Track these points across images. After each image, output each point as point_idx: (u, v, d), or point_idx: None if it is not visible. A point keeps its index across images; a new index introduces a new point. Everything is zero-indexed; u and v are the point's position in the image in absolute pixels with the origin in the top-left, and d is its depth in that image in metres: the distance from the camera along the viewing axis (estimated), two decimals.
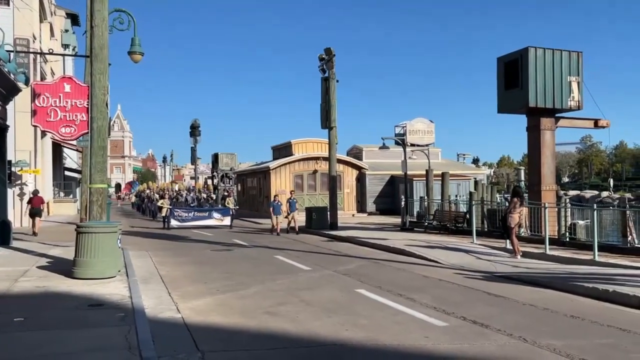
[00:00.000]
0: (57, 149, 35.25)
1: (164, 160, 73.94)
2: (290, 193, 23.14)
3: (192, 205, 30.67)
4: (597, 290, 8.44)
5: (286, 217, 21.45)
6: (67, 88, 13.10)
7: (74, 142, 23.08)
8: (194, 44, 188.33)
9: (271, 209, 21.24)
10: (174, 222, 23.28)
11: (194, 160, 36.30)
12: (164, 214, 24.01)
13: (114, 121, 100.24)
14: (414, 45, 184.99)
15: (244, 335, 6.23)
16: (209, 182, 45.58)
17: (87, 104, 11.61)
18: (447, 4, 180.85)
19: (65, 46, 37.82)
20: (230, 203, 25.70)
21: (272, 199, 22.33)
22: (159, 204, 25.89)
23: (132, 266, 10.79)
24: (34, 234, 18.00)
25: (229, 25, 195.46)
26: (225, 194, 31.85)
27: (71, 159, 43.41)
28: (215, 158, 35.13)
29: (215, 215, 24.19)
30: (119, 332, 5.89)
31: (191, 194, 36.59)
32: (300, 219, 23.23)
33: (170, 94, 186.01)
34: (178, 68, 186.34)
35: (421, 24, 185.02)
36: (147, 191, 47.16)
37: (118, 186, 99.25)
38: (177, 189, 46.48)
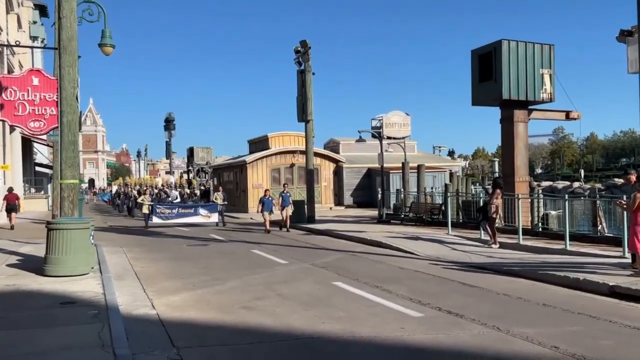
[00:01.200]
0: (27, 144, 34.33)
1: (138, 154, 72.71)
2: (283, 186, 21.08)
3: (175, 201, 28.12)
4: (568, 279, 8.64)
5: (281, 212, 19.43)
6: (36, 81, 12.76)
7: (44, 137, 22.55)
8: (168, 36, 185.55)
9: (261, 205, 18.93)
10: (156, 220, 21.41)
11: (169, 155, 35.84)
12: (144, 211, 21.82)
13: (86, 115, 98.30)
14: (389, 37, 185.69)
15: (221, 330, 6.18)
16: (188, 176, 41.93)
17: (57, 98, 11.31)
18: None
19: (34, 38, 36.76)
20: (219, 198, 22.66)
21: (263, 194, 19.81)
22: (139, 200, 23.67)
23: (106, 262, 10.60)
24: (12, 227, 19.00)
25: (204, 17, 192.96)
26: (202, 188, 31.34)
27: (42, 154, 42.37)
28: (191, 152, 34.76)
29: (202, 211, 22.17)
30: (92, 329, 5.78)
31: (173, 190, 32.87)
32: (278, 213, 23.18)
33: (144, 88, 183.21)
34: (152, 61, 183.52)
35: (397, 16, 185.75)
36: (123, 187, 43.59)
37: (91, 182, 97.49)
38: (160, 185, 41.16)
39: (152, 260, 11.97)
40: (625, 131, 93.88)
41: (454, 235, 15.24)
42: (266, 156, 31.62)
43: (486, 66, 16.46)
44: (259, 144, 34.63)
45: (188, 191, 36.75)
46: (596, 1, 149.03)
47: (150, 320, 6.53)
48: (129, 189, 36.13)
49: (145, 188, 31.33)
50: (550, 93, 16.46)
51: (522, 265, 10.24)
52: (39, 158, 41.66)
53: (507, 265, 10.33)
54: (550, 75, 16.42)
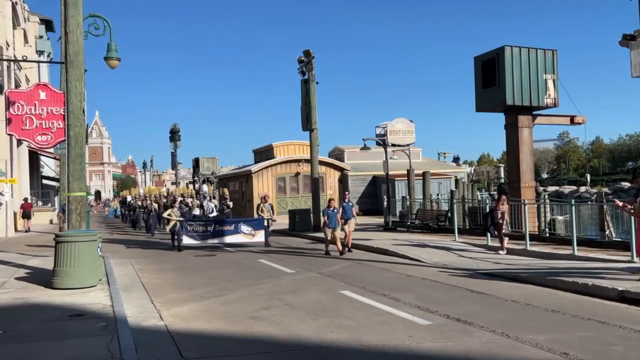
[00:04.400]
0: (34, 158, 34.60)
1: (144, 166, 73.09)
2: (345, 195, 17.03)
3: (211, 215, 21.22)
4: (577, 285, 8.58)
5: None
6: (43, 95, 12.88)
7: (51, 150, 22.70)
8: (172, 48, 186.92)
9: (325, 218, 14.59)
10: (187, 240, 16.63)
11: (174, 166, 35.92)
12: (170, 228, 17.01)
13: (92, 127, 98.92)
14: (393, 45, 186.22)
15: (229, 341, 6.18)
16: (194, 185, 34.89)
17: (64, 111, 11.42)
18: (426, 3, 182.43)
19: (40, 52, 37.18)
20: (266, 211, 17.65)
21: (327, 204, 15.23)
22: (165, 214, 18.33)
23: (114, 274, 10.64)
24: (28, 230, 24.46)
25: (208, 29, 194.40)
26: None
27: (49, 167, 42.66)
28: (196, 163, 34.85)
29: (244, 228, 17.26)
30: (100, 341, 5.79)
31: (207, 201, 22.78)
32: (283, 221, 23.13)
33: (150, 99, 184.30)
34: (157, 72, 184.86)
35: (400, 23, 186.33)
36: (139, 199, 33.74)
37: (98, 193, 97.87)
38: (179, 196, 28.41)
39: (159, 271, 11.99)
40: (631, 134, 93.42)
41: (461, 242, 15.19)
42: (271, 165, 31.70)
43: (489, 72, 16.48)
44: (263, 154, 34.74)
45: (213, 203, 24.27)
46: (600, 5, 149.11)
47: (159, 332, 6.54)
48: (148, 201, 27.86)
49: (173, 199, 22.16)
50: (554, 98, 16.45)
51: (529, 271, 10.18)
52: (45, 171, 41.95)
53: (514, 271, 10.27)
54: (553, 81, 16.43)
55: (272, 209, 18.02)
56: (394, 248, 14.36)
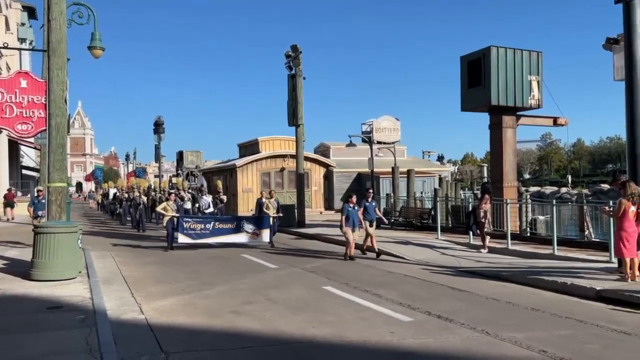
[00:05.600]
0: (14, 147, 33.97)
1: (127, 158, 72.17)
2: (367, 192, 14.09)
3: (207, 211, 19.06)
4: (556, 284, 8.71)
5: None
6: (24, 83, 12.59)
7: (32, 140, 22.28)
8: (157, 40, 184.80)
9: (344, 217, 12.56)
10: (183, 239, 14.85)
11: (158, 158, 35.55)
12: (165, 224, 15.25)
13: (75, 118, 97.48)
14: (380, 43, 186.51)
15: (210, 335, 6.15)
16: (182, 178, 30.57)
17: (45, 100, 11.20)
18: (411, 2, 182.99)
19: (22, 40, 36.45)
20: (272, 207, 16.00)
21: (347, 201, 12.89)
22: (158, 208, 16.37)
23: (94, 267, 10.51)
24: (12, 218, 24.82)
25: (194, 21, 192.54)
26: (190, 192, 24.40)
27: (29, 157, 41.94)
28: (180, 156, 34.51)
29: (247, 226, 15.55)
30: (79, 334, 5.71)
31: (205, 196, 20.12)
32: None
33: (134, 91, 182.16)
34: (142, 64, 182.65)
35: (387, 21, 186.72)
36: (126, 191, 29.68)
37: (79, 185, 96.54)
38: (176, 189, 25.32)
39: (141, 265, 11.87)
40: (612, 137, 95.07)
41: (444, 240, 15.30)
42: (256, 160, 31.56)
43: (475, 72, 16.58)
44: (249, 148, 34.57)
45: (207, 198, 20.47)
46: (584, 8, 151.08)
47: (139, 325, 6.47)
48: (136, 194, 25.13)
49: (169, 191, 19.81)
50: (538, 99, 16.62)
51: (510, 269, 10.30)
52: (25, 161, 41.22)
53: (496, 269, 10.38)
54: (538, 82, 16.59)
55: (278, 205, 16.38)
56: (377, 245, 14.39)
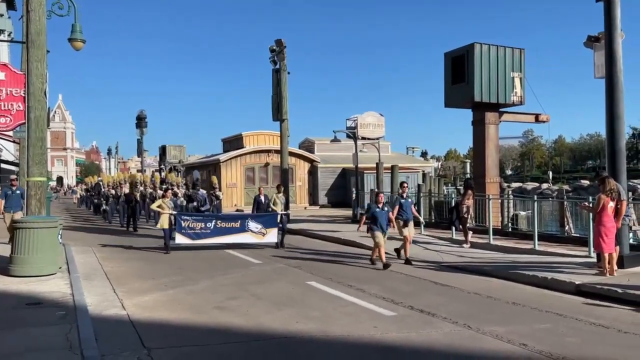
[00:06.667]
0: None
1: (109, 152, 71.43)
2: (402, 187, 12.00)
3: (202, 208, 17.37)
4: (536, 278, 8.85)
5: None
6: (2, 76, 12.32)
7: (10, 133, 21.85)
8: (140, 33, 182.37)
9: (368, 217, 10.81)
10: (180, 239, 13.33)
11: (140, 153, 35.18)
12: (163, 225, 13.30)
13: (55, 111, 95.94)
14: (364, 39, 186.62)
15: (193, 331, 6.11)
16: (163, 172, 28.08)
17: (24, 93, 10.97)
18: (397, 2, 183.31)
19: (0, 31, 35.69)
20: (279, 203, 14.37)
21: (375, 200, 11.17)
22: (153, 206, 14.42)
23: (75, 262, 10.36)
24: None
25: (177, 15, 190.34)
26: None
27: (8, 150, 41.14)
28: (163, 150, 34.19)
29: (253, 225, 13.87)
30: (59, 331, 5.64)
31: (200, 192, 18.27)
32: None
33: (116, 85, 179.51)
34: (124, 57, 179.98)
35: (371, 16, 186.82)
36: (115, 186, 26.37)
37: (60, 180, 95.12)
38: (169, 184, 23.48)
39: (123, 260, 11.75)
40: (592, 134, 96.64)
41: (427, 235, 15.42)
42: (240, 155, 31.41)
43: (459, 69, 16.69)
44: (233, 143, 34.38)
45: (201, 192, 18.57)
46: (566, 7, 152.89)
47: (121, 321, 6.41)
48: (122, 189, 23.07)
49: (165, 186, 18.60)
50: (521, 96, 16.80)
51: (492, 264, 10.42)
52: (4, 155, 40.44)
53: (478, 264, 10.50)
54: (520, 79, 16.76)
55: (287, 201, 14.68)
56: (362, 240, 14.44)
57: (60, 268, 9.20)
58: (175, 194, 18.44)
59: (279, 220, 14.08)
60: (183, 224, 13.46)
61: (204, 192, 18.44)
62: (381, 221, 10.55)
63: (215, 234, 13.73)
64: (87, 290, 7.83)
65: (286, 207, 14.68)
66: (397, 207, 11.31)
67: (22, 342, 5.27)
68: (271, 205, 14.49)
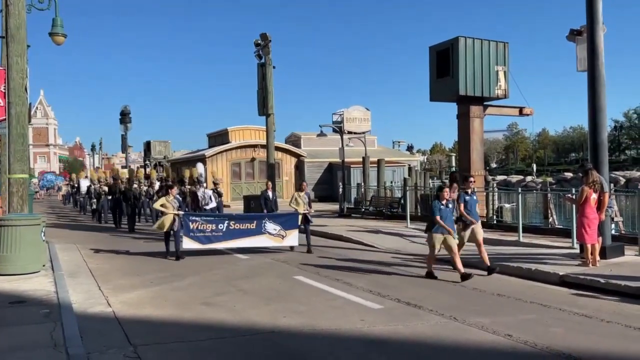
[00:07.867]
0: None
1: (93, 148, 70.48)
2: (468, 182, 9.90)
3: (207, 207, 15.48)
4: (521, 270, 8.95)
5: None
6: None
7: None
8: (123, 28, 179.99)
9: (438, 217, 8.78)
10: (189, 243, 11.58)
11: (124, 149, 34.78)
12: (165, 227, 11.60)
13: (37, 107, 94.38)
14: (350, 33, 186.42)
15: (179, 327, 6.08)
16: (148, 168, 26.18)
17: (4, 89, 10.78)
18: None
19: None
20: (302, 202, 12.66)
21: (438, 196, 9.18)
22: (156, 205, 12.34)
23: (59, 260, 10.25)
24: None
25: (161, 9, 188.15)
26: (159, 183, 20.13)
27: None
28: (148, 146, 33.88)
29: (270, 226, 12.25)
30: (43, 329, 5.57)
31: (202, 188, 16.18)
32: (238, 207, 22.89)
33: (99, 80, 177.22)
34: (107, 52, 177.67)
35: (358, 12, 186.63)
36: (108, 184, 22.86)
37: None
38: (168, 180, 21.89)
39: (108, 257, 11.63)
40: (575, 127, 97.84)
41: (413, 228, 15.51)
42: (226, 150, 31.26)
43: (444, 62, 16.73)
44: (218, 138, 34.18)
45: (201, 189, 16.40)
46: (547, 1, 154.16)
47: (106, 318, 6.35)
48: (122, 184, 20.55)
49: (169, 181, 16.63)
50: (505, 90, 16.91)
51: (477, 256, 10.49)
52: None
53: (463, 257, 10.54)
54: (504, 72, 16.87)
55: (309, 200, 12.91)
56: (349, 234, 14.50)
57: (44, 266, 9.08)
58: (182, 192, 16.57)
59: (299, 222, 12.48)
60: (191, 226, 11.69)
61: (208, 190, 16.31)
62: (447, 218, 8.86)
63: (228, 236, 12.00)
64: (71, 288, 7.74)
65: (309, 206, 12.82)
66: (461, 205, 9.48)
67: (5, 341, 5.20)
68: (291, 204, 12.84)
